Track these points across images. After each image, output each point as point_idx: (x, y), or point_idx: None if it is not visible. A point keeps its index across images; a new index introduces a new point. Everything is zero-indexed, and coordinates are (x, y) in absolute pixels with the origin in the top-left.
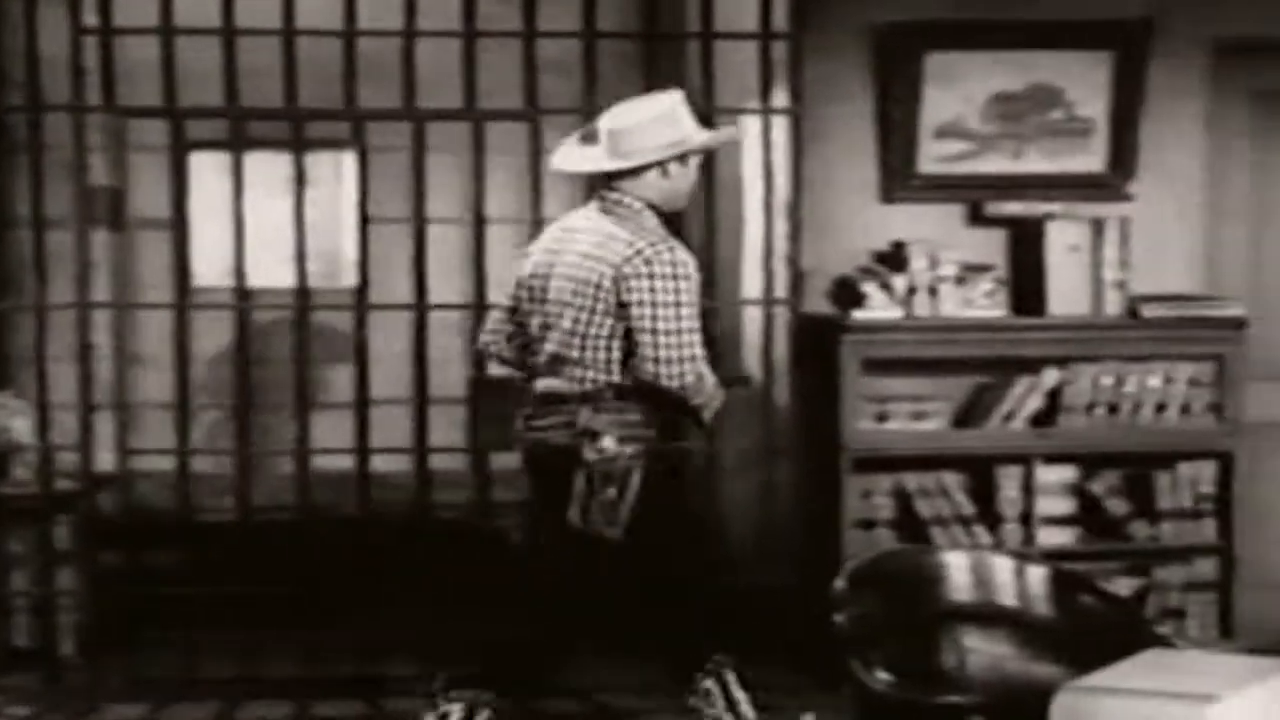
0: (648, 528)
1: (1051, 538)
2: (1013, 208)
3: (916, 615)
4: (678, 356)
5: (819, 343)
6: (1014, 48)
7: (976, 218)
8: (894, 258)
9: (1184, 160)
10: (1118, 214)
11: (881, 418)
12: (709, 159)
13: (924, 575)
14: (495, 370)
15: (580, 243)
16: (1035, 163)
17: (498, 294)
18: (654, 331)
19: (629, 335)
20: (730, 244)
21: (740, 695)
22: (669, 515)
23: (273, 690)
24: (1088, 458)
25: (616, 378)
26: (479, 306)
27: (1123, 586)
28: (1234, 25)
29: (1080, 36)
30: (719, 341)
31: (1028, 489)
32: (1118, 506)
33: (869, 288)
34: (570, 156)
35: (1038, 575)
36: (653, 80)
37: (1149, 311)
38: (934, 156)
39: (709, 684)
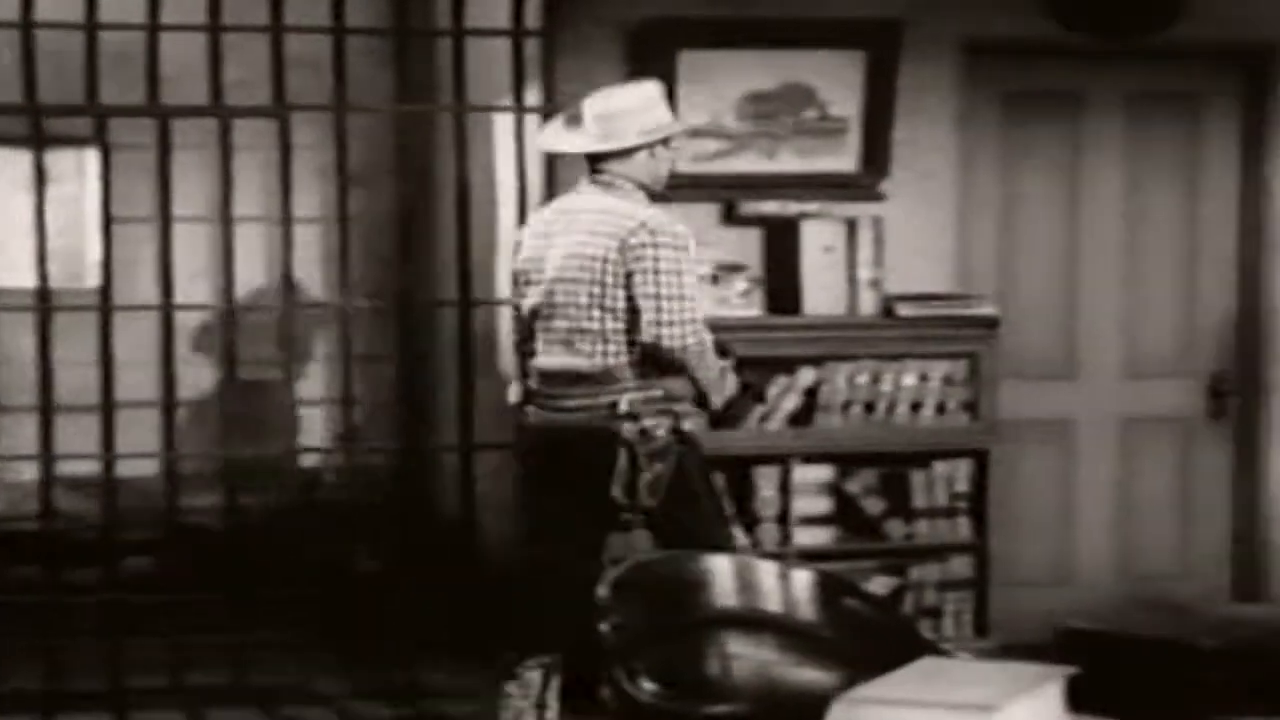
0: (686, 499)
1: (808, 537)
2: (767, 207)
3: (681, 622)
4: (679, 319)
5: None
6: (767, 46)
7: (731, 217)
8: None
9: (936, 160)
10: (871, 213)
11: None
12: (462, 156)
13: (688, 581)
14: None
15: (582, 220)
16: (789, 162)
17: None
18: (657, 296)
19: (632, 303)
20: (484, 244)
21: (554, 701)
22: (705, 482)
23: (16, 704)
24: (844, 457)
25: (634, 348)
26: (228, 307)
27: (879, 585)
28: (984, 25)
29: (832, 36)
30: (475, 342)
31: (785, 489)
32: (874, 505)
33: None
34: (559, 138)
35: (803, 579)
36: (403, 77)
37: (904, 311)
38: (688, 155)
39: (533, 675)
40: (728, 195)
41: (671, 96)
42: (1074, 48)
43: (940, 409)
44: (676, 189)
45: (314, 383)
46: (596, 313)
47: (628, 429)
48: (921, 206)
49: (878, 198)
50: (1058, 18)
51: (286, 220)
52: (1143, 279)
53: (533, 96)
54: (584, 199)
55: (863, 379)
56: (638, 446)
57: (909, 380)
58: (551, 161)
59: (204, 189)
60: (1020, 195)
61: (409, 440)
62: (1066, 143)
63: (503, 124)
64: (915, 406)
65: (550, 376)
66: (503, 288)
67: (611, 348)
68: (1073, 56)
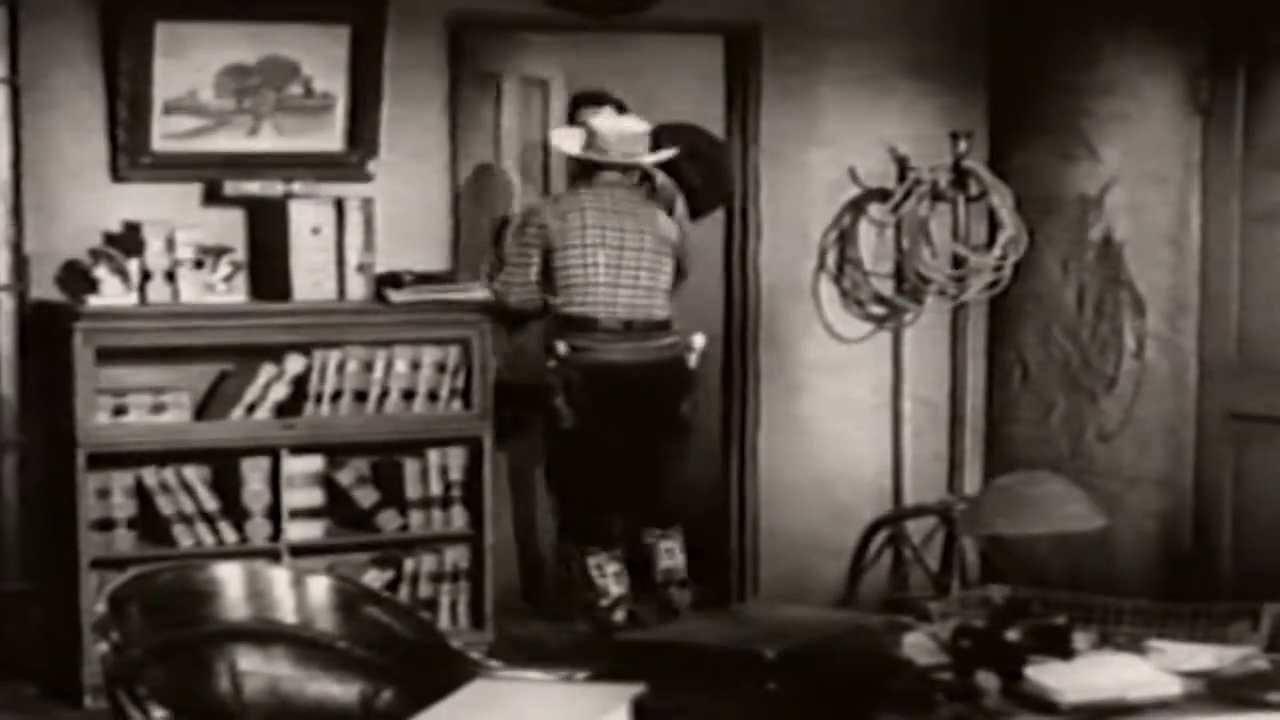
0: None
1: (299, 532)
2: (251, 187)
3: (186, 639)
4: None
5: (50, 332)
6: (247, 19)
7: (214, 197)
8: (128, 240)
9: (426, 139)
10: (361, 194)
11: (119, 410)
12: None
13: (192, 593)
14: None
15: (641, 209)
16: (272, 140)
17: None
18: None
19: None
20: None
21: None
22: None
23: None
24: (335, 447)
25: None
26: None
27: (375, 579)
28: (468, 1)
29: (316, 8)
30: None
31: (274, 481)
32: (366, 497)
33: (102, 272)
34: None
35: (319, 587)
36: None
37: (395, 296)
38: (166, 132)
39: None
40: (210, 174)
41: (148, 69)
42: (560, 24)
43: (433, 396)
44: (154, 168)
45: None
46: (667, 279)
47: (692, 358)
48: (412, 187)
49: (366, 178)
50: None
51: None
52: None
53: None
54: (627, 195)
55: (353, 366)
56: (695, 371)
57: (401, 367)
58: (19, 138)
59: None
60: None
61: None
62: None
63: None
64: (407, 394)
65: (635, 325)
66: None
67: (667, 303)
68: (558, 33)
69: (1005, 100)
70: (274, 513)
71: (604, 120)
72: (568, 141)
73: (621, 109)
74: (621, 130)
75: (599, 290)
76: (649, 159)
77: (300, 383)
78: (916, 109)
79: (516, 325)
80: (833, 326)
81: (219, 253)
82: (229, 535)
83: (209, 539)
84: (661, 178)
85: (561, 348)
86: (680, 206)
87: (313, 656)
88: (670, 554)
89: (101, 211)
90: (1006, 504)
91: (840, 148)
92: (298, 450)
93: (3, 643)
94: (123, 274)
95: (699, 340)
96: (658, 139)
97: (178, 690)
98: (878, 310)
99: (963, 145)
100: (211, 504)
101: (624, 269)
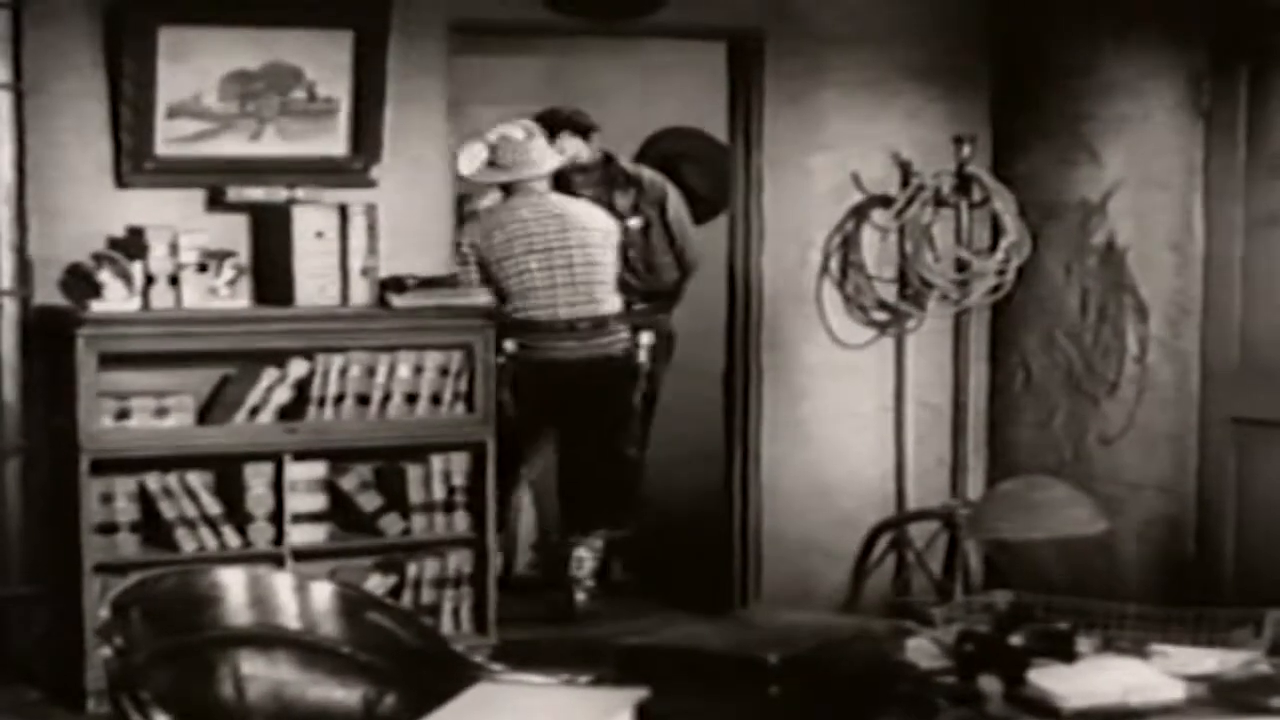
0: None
1: (302, 536)
2: (254, 193)
3: (189, 643)
4: None
5: (53, 336)
6: (251, 24)
7: (217, 202)
8: (132, 245)
9: (428, 144)
10: (363, 199)
11: (122, 415)
12: None
13: (195, 598)
14: None
15: (567, 207)
16: (276, 145)
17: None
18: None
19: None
20: None
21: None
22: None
23: None
24: (338, 452)
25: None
26: None
27: (377, 584)
28: (473, 7)
29: (319, 14)
30: None
31: (277, 486)
32: (369, 501)
33: (105, 277)
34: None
35: (322, 593)
36: None
37: (398, 301)
38: (170, 137)
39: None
40: (213, 179)
41: (152, 74)
42: (563, 29)
43: (436, 401)
44: (158, 173)
45: None
46: (610, 274)
47: (640, 354)
48: (414, 192)
49: (370, 183)
50: (545, 0)
51: None
52: None
53: (1, 73)
54: (558, 197)
55: (356, 371)
56: (643, 367)
57: (403, 372)
58: (22, 143)
59: None
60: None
61: None
62: None
63: None
64: (410, 399)
65: (579, 323)
66: None
67: (614, 298)
68: (562, 38)
69: (1007, 105)
70: (277, 517)
71: (496, 132)
72: (466, 164)
73: (578, 129)
74: (509, 139)
75: (537, 295)
76: (546, 168)
77: (303, 387)
78: (919, 114)
79: None
80: (835, 331)
81: (222, 257)
82: (232, 540)
83: (212, 543)
84: (649, 173)
85: (509, 345)
86: (674, 201)
87: (316, 661)
88: (580, 563)
89: (105, 216)
90: (1009, 508)
91: (843, 153)
92: (300, 455)
93: (5, 647)
94: (126, 278)
95: (646, 338)
96: (658, 142)
97: (181, 695)
98: (881, 315)
99: (965, 150)
100: (214, 508)
101: (557, 269)
